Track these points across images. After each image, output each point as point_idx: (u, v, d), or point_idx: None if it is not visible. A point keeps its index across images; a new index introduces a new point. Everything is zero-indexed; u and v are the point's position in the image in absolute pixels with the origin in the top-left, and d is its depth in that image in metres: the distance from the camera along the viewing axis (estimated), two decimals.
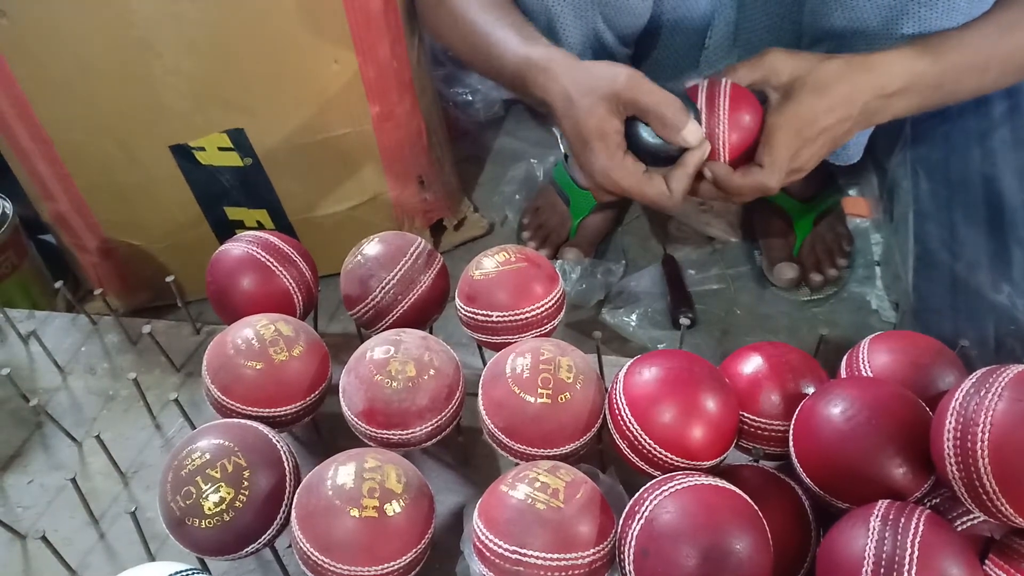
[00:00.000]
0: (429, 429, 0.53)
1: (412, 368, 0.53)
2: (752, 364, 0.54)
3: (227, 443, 0.50)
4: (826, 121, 0.62)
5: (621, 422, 0.51)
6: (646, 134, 0.61)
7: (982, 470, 0.40)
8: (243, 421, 0.53)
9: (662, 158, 0.61)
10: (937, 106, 0.69)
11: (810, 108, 0.61)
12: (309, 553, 0.46)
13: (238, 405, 0.55)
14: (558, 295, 0.60)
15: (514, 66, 0.67)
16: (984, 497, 0.41)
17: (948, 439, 0.42)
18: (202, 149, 0.88)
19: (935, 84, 0.65)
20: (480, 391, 0.54)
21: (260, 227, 0.97)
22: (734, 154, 0.63)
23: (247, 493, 0.48)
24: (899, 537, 0.41)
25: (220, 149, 0.88)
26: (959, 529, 0.45)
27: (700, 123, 0.61)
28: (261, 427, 0.52)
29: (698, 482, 0.45)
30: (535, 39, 0.69)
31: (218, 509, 0.48)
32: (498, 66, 0.70)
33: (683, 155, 0.61)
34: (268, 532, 0.50)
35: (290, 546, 0.49)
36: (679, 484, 0.45)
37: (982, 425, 0.40)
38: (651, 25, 0.84)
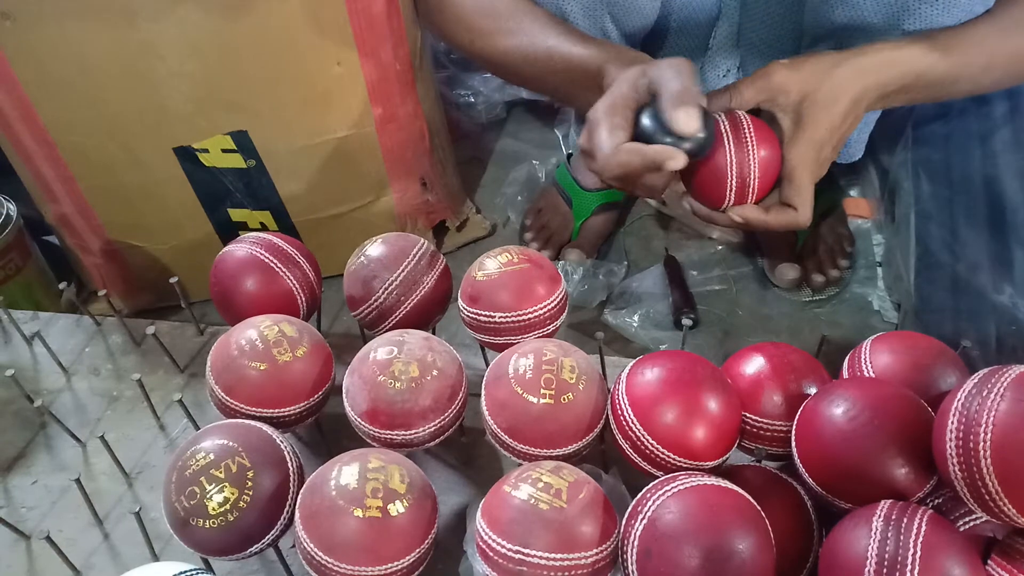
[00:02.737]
0: (432, 429, 0.54)
1: (415, 369, 0.53)
2: (754, 364, 0.54)
3: (231, 443, 0.50)
4: (839, 134, 0.62)
5: (623, 422, 0.51)
6: (648, 123, 0.58)
7: (984, 470, 0.40)
8: (247, 422, 0.53)
9: (649, 140, 0.58)
10: (934, 100, 0.69)
11: (826, 127, 0.60)
12: (313, 553, 0.46)
13: (242, 406, 0.55)
14: (560, 296, 0.60)
15: (585, 61, 0.66)
16: (986, 497, 0.41)
17: (950, 439, 0.42)
18: (205, 151, 0.88)
19: (935, 82, 0.65)
20: (483, 392, 0.54)
21: (263, 228, 0.97)
22: (762, 192, 0.61)
23: (251, 493, 0.49)
24: (902, 537, 0.41)
25: (223, 151, 0.88)
26: (961, 529, 0.45)
27: (705, 148, 0.58)
28: (265, 428, 0.52)
29: (701, 482, 0.46)
30: (600, 41, 0.70)
31: (222, 509, 0.48)
32: (558, 65, 0.69)
33: (658, 143, 0.57)
34: (272, 532, 0.50)
35: (294, 546, 0.49)
36: (682, 484, 0.45)
37: (984, 425, 0.40)
38: (658, 25, 0.85)
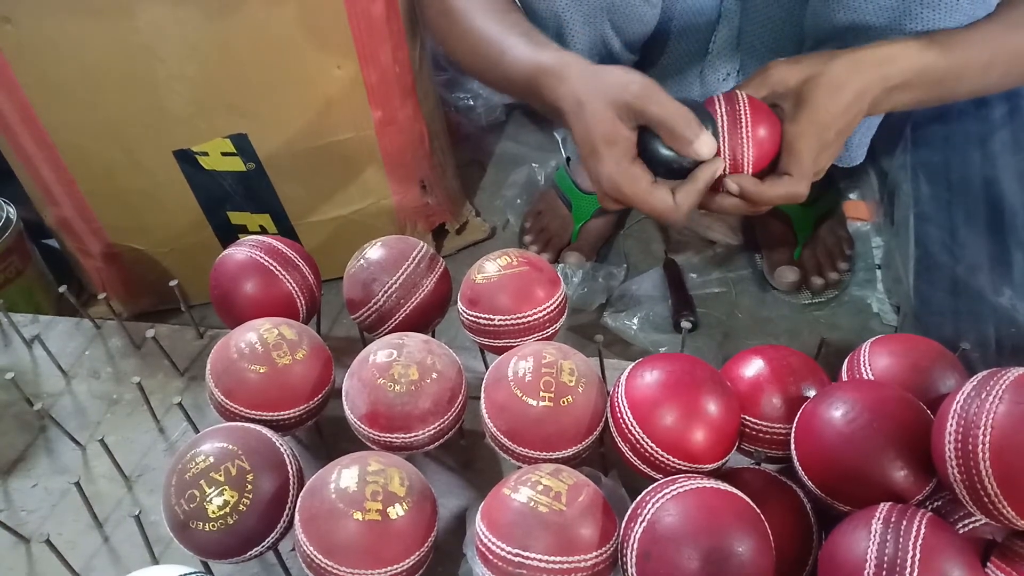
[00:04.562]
0: (432, 432, 0.54)
1: (415, 372, 0.53)
2: (753, 367, 0.54)
3: (230, 447, 0.50)
4: (842, 122, 0.62)
5: (623, 425, 0.51)
6: (659, 145, 0.60)
7: (983, 473, 0.40)
8: (246, 424, 0.53)
9: (675, 170, 0.60)
10: (937, 101, 0.69)
11: (827, 111, 0.61)
12: (312, 556, 0.46)
13: (241, 409, 0.55)
14: (560, 299, 0.60)
15: (526, 71, 0.66)
16: (985, 499, 0.41)
17: (949, 442, 0.42)
18: (205, 154, 0.88)
19: (938, 79, 0.65)
20: (482, 394, 0.54)
21: (263, 231, 0.97)
22: (757, 167, 0.62)
23: (251, 496, 0.49)
24: (901, 540, 0.41)
25: (223, 154, 0.88)
26: (961, 532, 0.45)
27: (718, 137, 0.60)
28: (264, 431, 0.52)
29: (700, 485, 0.46)
30: (546, 44, 0.68)
31: (222, 512, 0.48)
32: (508, 73, 0.68)
33: (695, 169, 0.60)
34: (272, 535, 0.50)
35: (293, 549, 0.49)
36: (681, 487, 0.45)
37: (983, 428, 0.40)
38: (657, 31, 0.85)
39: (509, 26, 0.71)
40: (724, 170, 0.62)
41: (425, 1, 0.79)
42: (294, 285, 0.63)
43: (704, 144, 0.58)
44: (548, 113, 0.68)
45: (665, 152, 0.60)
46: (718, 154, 0.60)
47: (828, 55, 0.62)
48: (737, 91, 0.62)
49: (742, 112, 0.61)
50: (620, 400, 0.52)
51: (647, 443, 0.50)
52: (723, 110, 0.61)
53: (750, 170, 0.62)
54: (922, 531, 0.41)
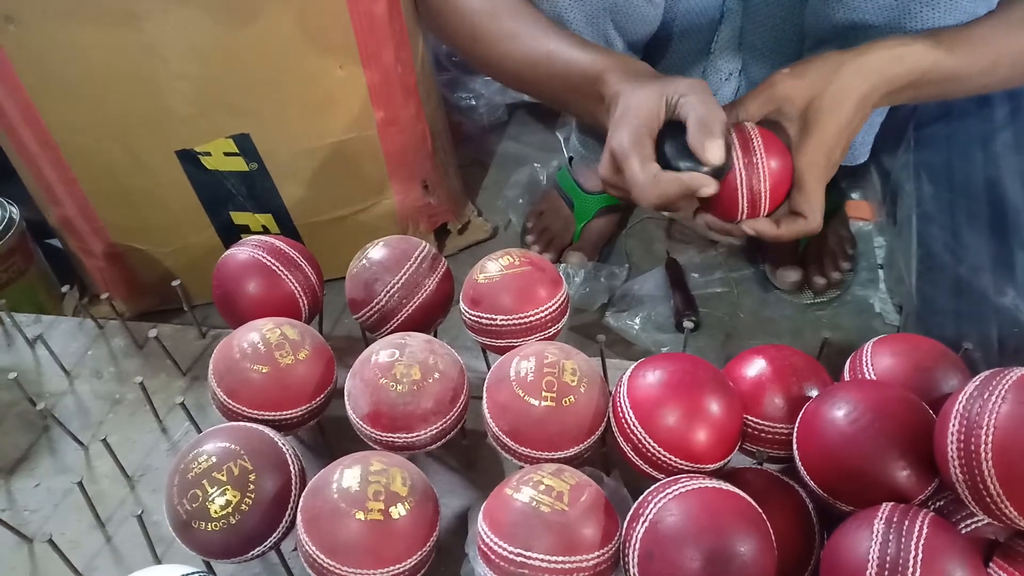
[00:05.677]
0: (434, 432, 0.54)
1: (417, 371, 0.53)
2: (756, 367, 0.54)
3: (233, 446, 0.50)
4: (845, 137, 0.62)
5: (625, 425, 0.51)
6: (669, 148, 0.59)
7: (986, 473, 0.40)
8: (249, 424, 0.53)
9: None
10: (940, 98, 0.69)
11: (833, 131, 0.60)
12: (314, 556, 0.46)
13: (244, 408, 0.55)
14: (562, 298, 0.60)
15: (585, 66, 0.66)
16: (988, 500, 0.41)
17: (952, 442, 0.42)
18: (208, 154, 0.88)
19: (943, 78, 0.64)
20: (484, 394, 0.54)
21: (265, 231, 0.97)
22: (774, 204, 0.61)
23: (253, 496, 0.49)
24: (903, 540, 0.41)
25: (226, 154, 0.88)
26: (963, 532, 0.45)
27: (734, 163, 0.59)
28: (267, 430, 0.52)
29: (702, 485, 0.46)
30: (595, 46, 0.69)
31: (224, 512, 0.48)
32: (557, 69, 0.69)
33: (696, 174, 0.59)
34: (274, 535, 0.50)
35: (295, 549, 0.49)
36: (683, 487, 0.45)
37: (986, 428, 0.40)
38: (660, 30, 0.85)
39: (547, 26, 0.72)
40: (741, 210, 0.61)
41: None
42: (296, 285, 0.63)
43: (716, 147, 0.57)
44: (585, 107, 0.67)
45: (674, 160, 0.59)
46: (724, 183, 0.59)
47: (833, 63, 0.61)
48: (746, 123, 0.61)
49: (757, 150, 0.60)
50: (622, 400, 0.52)
51: (649, 443, 0.50)
52: (736, 144, 0.60)
53: (767, 206, 0.61)
54: (924, 531, 0.41)
